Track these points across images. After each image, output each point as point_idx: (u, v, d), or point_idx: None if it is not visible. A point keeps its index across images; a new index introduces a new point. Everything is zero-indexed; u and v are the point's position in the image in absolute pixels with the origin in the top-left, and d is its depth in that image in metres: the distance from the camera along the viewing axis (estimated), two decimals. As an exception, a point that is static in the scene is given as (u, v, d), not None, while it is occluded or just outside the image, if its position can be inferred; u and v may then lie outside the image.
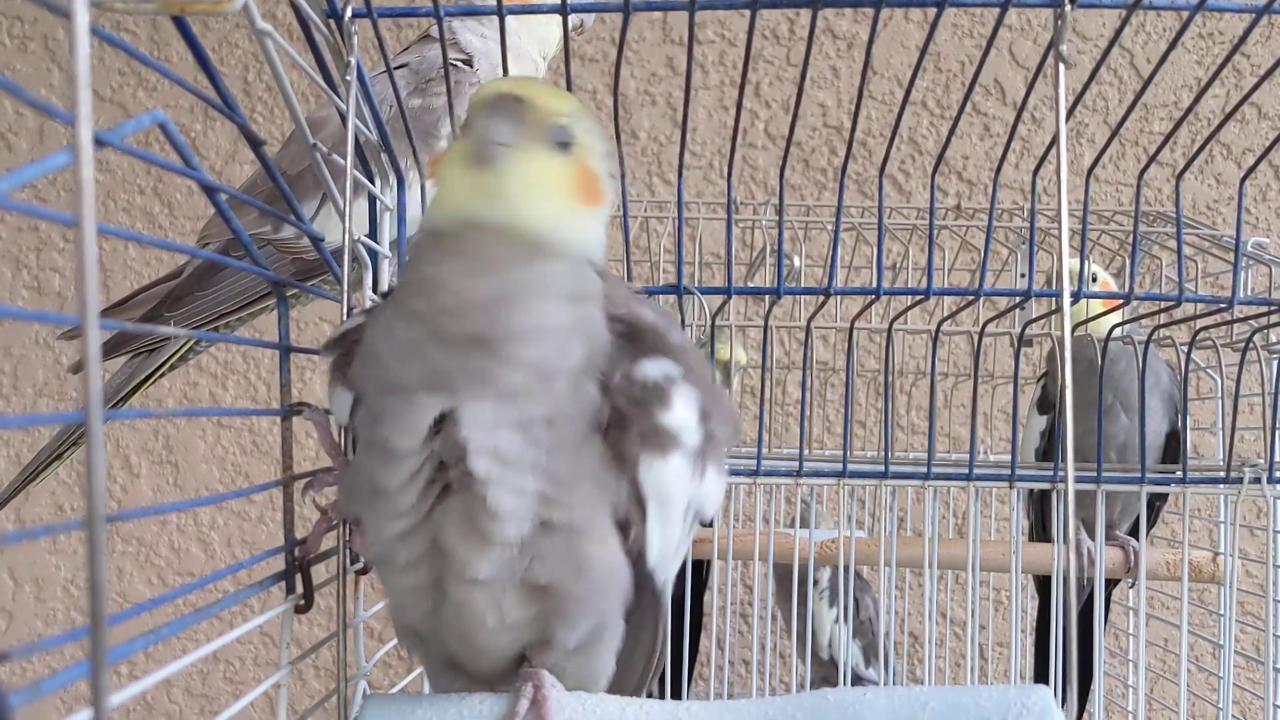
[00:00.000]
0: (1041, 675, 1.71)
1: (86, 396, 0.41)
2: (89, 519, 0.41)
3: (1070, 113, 0.90)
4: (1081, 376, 1.50)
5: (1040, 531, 1.71)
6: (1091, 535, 1.50)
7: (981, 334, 1.37)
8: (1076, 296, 1.20)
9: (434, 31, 0.94)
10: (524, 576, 0.72)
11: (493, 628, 0.76)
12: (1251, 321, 1.36)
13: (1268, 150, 1.07)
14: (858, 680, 1.80)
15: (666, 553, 0.78)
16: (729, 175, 1.12)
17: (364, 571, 0.93)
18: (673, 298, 1.24)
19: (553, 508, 0.71)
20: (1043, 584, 1.73)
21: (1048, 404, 1.70)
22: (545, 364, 0.70)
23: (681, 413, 0.74)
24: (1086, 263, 1.43)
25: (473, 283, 0.70)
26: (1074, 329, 1.39)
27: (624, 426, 0.72)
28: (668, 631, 0.87)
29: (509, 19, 0.94)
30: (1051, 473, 1.39)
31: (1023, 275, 1.71)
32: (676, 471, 0.74)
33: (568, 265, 0.72)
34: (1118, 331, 1.39)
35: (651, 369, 0.73)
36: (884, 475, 1.36)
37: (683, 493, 0.76)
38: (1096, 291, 1.41)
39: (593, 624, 0.76)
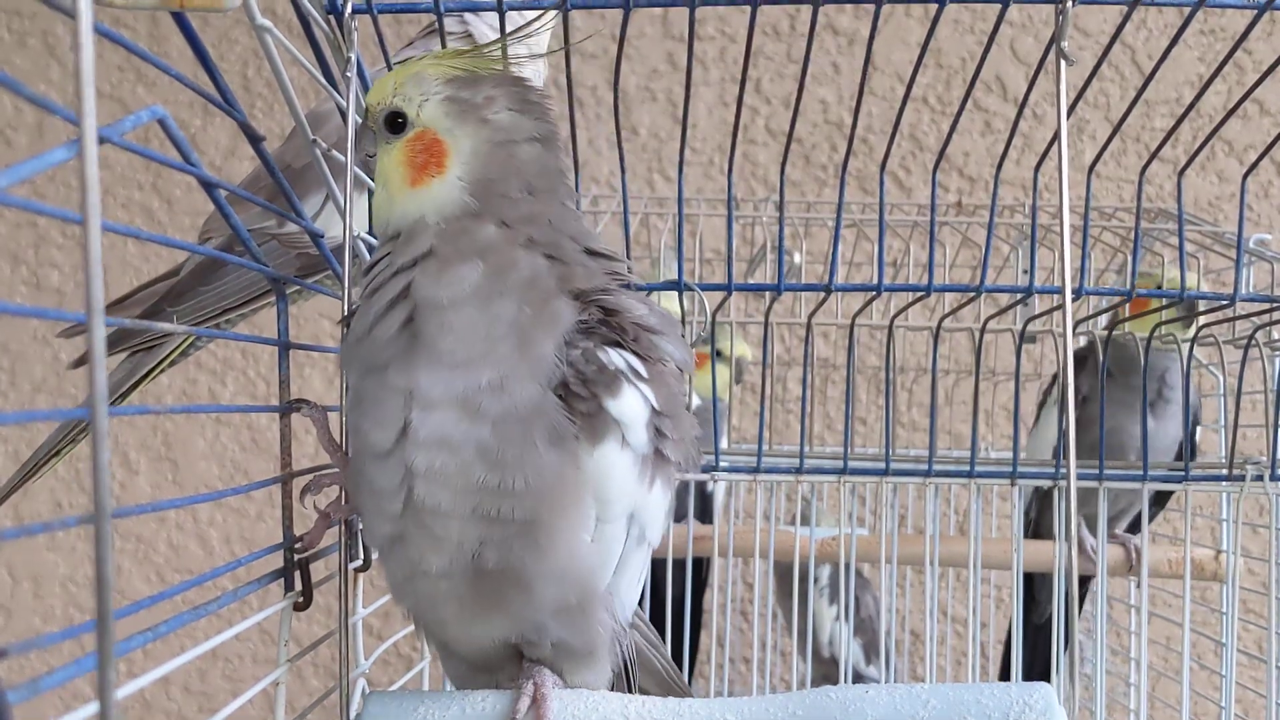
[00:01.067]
0: (1006, 676, 1.71)
1: (92, 393, 0.41)
2: (96, 514, 0.41)
3: (1071, 109, 0.90)
4: (1123, 375, 1.50)
5: (1036, 531, 1.70)
6: (1093, 533, 1.50)
7: (983, 331, 1.37)
8: (1078, 294, 1.20)
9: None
10: (476, 566, 0.73)
11: (457, 617, 0.77)
12: (1254, 318, 1.36)
13: (1269, 147, 1.07)
14: (859, 678, 1.80)
15: (605, 553, 0.78)
16: (729, 171, 1.12)
17: (364, 568, 0.93)
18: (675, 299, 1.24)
19: (499, 497, 0.71)
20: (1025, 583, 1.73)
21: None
22: (473, 327, 0.72)
23: (630, 407, 0.74)
24: (1175, 268, 1.43)
25: (389, 271, 0.75)
26: (1115, 327, 1.39)
27: (572, 400, 0.73)
28: (631, 652, 0.86)
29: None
30: (1053, 470, 1.39)
31: (1024, 271, 1.71)
32: (615, 463, 0.74)
33: (428, 228, 0.75)
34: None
35: (614, 357, 0.74)
36: (885, 472, 1.36)
37: (623, 490, 0.76)
38: (1096, 289, 1.40)
39: (561, 612, 0.76)
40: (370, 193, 0.96)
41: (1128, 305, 1.35)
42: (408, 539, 0.74)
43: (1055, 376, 1.79)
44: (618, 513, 0.76)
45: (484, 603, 0.75)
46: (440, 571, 0.74)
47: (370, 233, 0.98)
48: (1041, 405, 1.78)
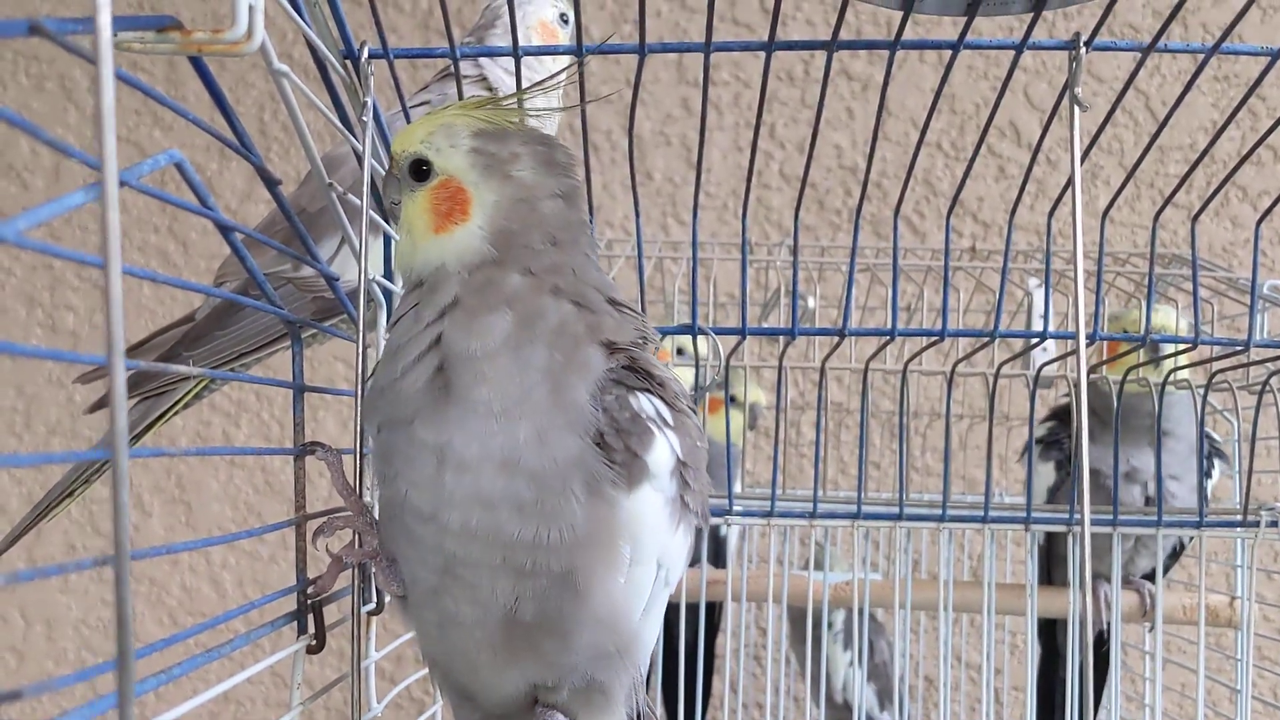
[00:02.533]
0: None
1: (113, 433, 0.41)
2: (117, 555, 0.41)
3: (1085, 155, 0.90)
4: (1133, 420, 1.49)
5: (1045, 581, 1.69)
6: (1106, 580, 1.49)
7: (997, 375, 1.37)
8: (1092, 338, 1.20)
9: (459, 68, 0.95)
10: (513, 616, 0.73)
11: (489, 664, 0.77)
12: (1268, 364, 1.36)
13: (1284, 193, 1.07)
14: (872, 724, 1.79)
15: (637, 595, 0.78)
16: (744, 216, 1.12)
17: (376, 612, 0.93)
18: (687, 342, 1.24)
19: (535, 551, 0.71)
20: (1045, 629, 1.72)
21: (1059, 455, 1.67)
22: (508, 376, 0.72)
23: (661, 453, 0.75)
24: (1137, 310, 1.42)
25: (417, 323, 0.75)
26: (1127, 374, 1.39)
27: (607, 450, 0.73)
28: (643, 705, 0.86)
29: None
30: (1067, 515, 1.38)
31: (1039, 316, 1.70)
32: (648, 507, 0.75)
33: (451, 277, 0.75)
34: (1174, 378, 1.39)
35: (645, 404, 0.75)
36: (899, 517, 1.36)
37: (654, 534, 0.76)
38: (1111, 334, 1.40)
39: (596, 657, 0.76)
40: (387, 238, 0.97)
41: (1143, 353, 1.35)
42: (444, 590, 0.75)
43: (1044, 420, 1.78)
44: (649, 555, 0.76)
45: (518, 650, 0.75)
46: (476, 621, 0.74)
47: (386, 276, 0.98)
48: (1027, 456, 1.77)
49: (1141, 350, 1.36)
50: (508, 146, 0.78)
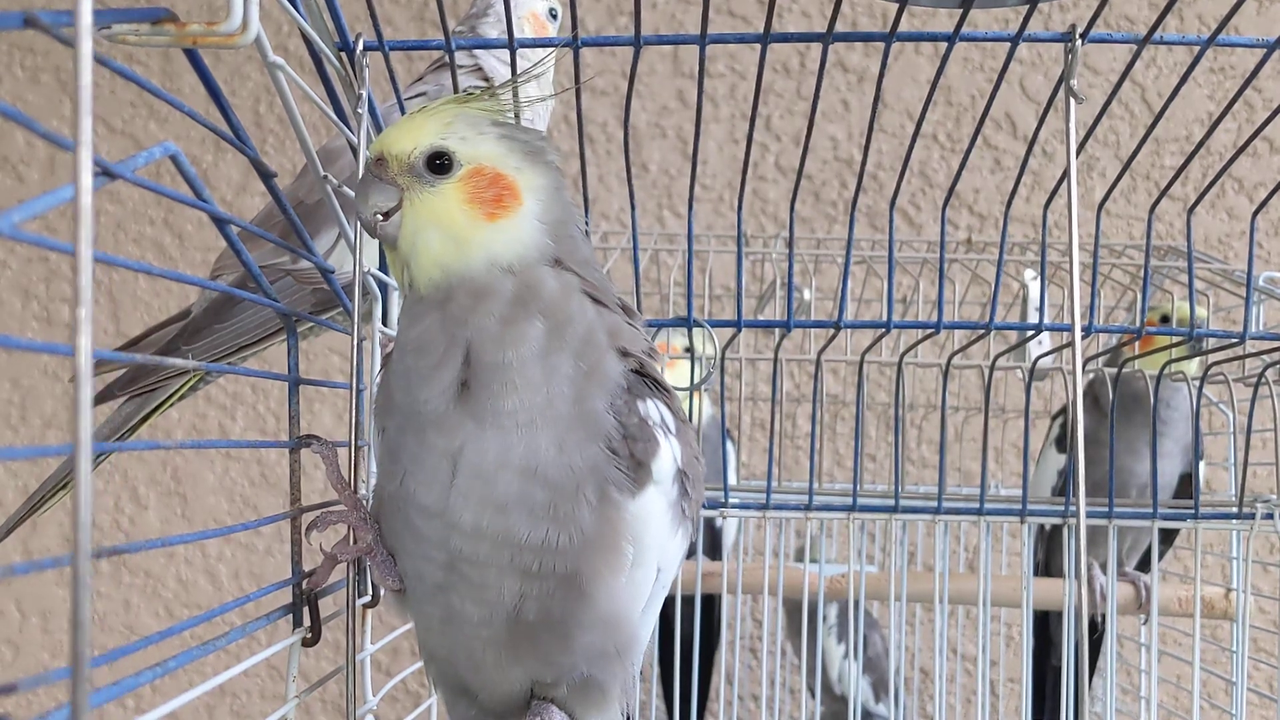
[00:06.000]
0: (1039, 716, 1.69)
1: (75, 429, 0.40)
2: (74, 555, 0.41)
3: (1081, 147, 0.90)
4: (1122, 411, 1.50)
5: (1045, 570, 1.70)
6: (1102, 571, 1.49)
7: (992, 368, 1.37)
8: (1087, 331, 1.20)
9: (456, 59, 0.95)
10: (517, 616, 0.73)
11: (494, 663, 0.77)
12: (1264, 356, 1.36)
13: (1280, 185, 1.07)
14: (868, 716, 1.80)
15: (637, 596, 0.78)
16: (739, 208, 1.12)
17: (372, 605, 0.93)
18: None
19: (543, 553, 0.71)
20: (1036, 617, 1.72)
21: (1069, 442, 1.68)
22: (535, 387, 0.71)
23: (665, 458, 0.75)
24: (1187, 304, 1.43)
25: (443, 334, 0.72)
26: (1124, 365, 1.40)
27: (615, 454, 0.73)
28: (635, 705, 0.86)
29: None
30: (1063, 507, 1.38)
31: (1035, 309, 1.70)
32: (653, 510, 0.75)
33: (503, 279, 0.72)
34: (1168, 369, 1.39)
35: (651, 410, 0.75)
36: (894, 509, 1.36)
37: (656, 537, 0.76)
38: (1106, 326, 1.40)
39: (595, 657, 0.76)
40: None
41: (1137, 343, 1.35)
42: (449, 587, 0.75)
43: (1055, 415, 1.78)
44: (650, 557, 0.76)
45: (522, 649, 0.75)
46: (481, 620, 0.74)
47: (381, 269, 0.98)
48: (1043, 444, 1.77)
49: (1186, 345, 1.35)
50: (532, 135, 0.76)
